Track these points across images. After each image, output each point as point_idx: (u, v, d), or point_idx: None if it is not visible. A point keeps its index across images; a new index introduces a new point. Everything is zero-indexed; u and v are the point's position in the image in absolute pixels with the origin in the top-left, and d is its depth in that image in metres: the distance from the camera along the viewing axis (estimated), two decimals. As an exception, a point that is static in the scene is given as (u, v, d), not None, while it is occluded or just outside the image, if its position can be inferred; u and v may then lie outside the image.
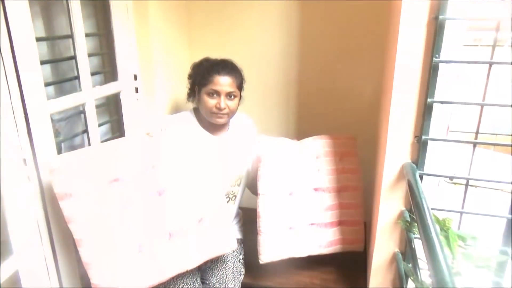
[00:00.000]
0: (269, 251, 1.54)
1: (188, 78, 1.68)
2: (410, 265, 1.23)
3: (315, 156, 1.60)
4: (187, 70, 1.70)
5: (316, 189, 1.61)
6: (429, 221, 0.90)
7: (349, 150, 1.65)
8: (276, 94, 2.09)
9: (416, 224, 1.06)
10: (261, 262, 1.54)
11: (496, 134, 4.37)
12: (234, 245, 1.47)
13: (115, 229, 1.20)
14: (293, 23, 1.95)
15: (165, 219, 1.30)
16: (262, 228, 1.51)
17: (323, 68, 1.98)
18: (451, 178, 4.32)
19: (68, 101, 1.36)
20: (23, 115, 1.16)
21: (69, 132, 1.52)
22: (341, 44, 1.92)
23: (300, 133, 2.11)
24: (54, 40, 1.41)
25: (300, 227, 1.58)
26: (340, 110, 2.02)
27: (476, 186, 4.16)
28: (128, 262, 1.21)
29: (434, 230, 0.86)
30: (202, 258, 1.37)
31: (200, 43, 2.07)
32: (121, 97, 1.67)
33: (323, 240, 1.63)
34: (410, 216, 1.26)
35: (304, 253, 1.61)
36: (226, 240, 1.44)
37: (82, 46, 1.39)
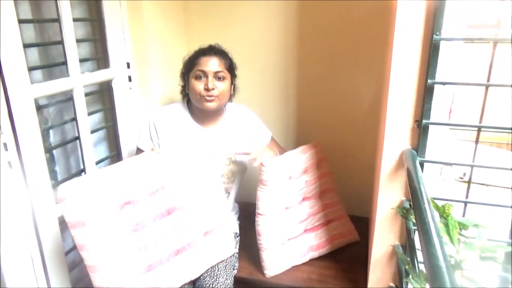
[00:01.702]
0: (273, 265, 1.57)
1: (180, 76, 1.63)
2: (409, 259, 1.15)
3: (304, 170, 1.64)
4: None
5: (304, 199, 1.67)
6: (426, 206, 0.83)
7: (321, 156, 1.72)
8: (275, 86, 2.02)
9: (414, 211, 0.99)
10: (267, 276, 1.57)
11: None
12: (233, 249, 1.49)
13: (126, 252, 1.19)
14: (291, 14, 1.88)
15: (173, 237, 1.29)
16: (264, 245, 1.54)
17: (323, 58, 1.91)
18: (461, 177, 4.22)
19: (54, 86, 1.32)
20: (4, 98, 1.12)
21: (58, 120, 1.48)
22: (342, 35, 1.84)
23: (300, 124, 2.05)
24: (41, 23, 1.37)
25: (297, 236, 1.63)
26: (340, 103, 1.95)
27: (487, 185, 4.03)
28: (138, 282, 1.20)
29: (430, 214, 0.79)
30: (205, 267, 1.40)
31: (197, 32, 2.01)
32: (113, 85, 1.62)
33: (319, 241, 1.67)
34: (409, 204, 1.18)
35: (305, 259, 1.65)
36: (227, 246, 1.47)
37: (70, 30, 1.36)
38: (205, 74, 1.48)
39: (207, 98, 1.48)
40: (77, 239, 1.11)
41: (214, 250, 1.41)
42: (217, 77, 1.49)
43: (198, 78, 1.48)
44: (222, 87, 1.50)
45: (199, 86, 1.48)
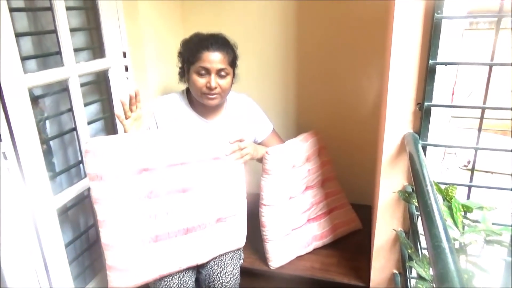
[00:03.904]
0: (278, 257, 1.55)
1: (178, 56, 1.56)
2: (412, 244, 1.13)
3: (306, 159, 1.62)
4: (180, 48, 1.61)
5: (307, 188, 1.65)
6: (429, 188, 0.80)
7: (322, 144, 1.70)
8: (274, 74, 1.99)
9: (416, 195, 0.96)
10: (272, 268, 1.55)
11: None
12: (244, 242, 1.48)
13: (136, 216, 1.25)
14: (290, 1, 1.84)
15: (184, 216, 1.32)
16: (268, 236, 1.52)
17: (323, 45, 1.87)
18: (465, 164, 4.18)
19: (48, 76, 1.30)
20: (-4, 88, 1.10)
21: (54, 111, 1.46)
22: (341, 22, 1.80)
23: (300, 112, 2.02)
24: (34, 12, 1.35)
25: (301, 226, 1.61)
26: (340, 90, 1.92)
27: (492, 173, 3.99)
28: (143, 249, 1.27)
29: (433, 196, 0.76)
30: (213, 254, 1.40)
31: (194, 20, 1.98)
32: (109, 75, 1.60)
33: (323, 231, 1.66)
34: (411, 189, 1.16)
35: (309, 249, 1.63)
36: (239, 237, 1.46)
37: (63, 19, 1.33)
38: (208, 71, 1.42)
39: (209, 96, 1.44)
40: (93, 191, 1.21)
41: (225, 238, 1.41)
42: (220, 74, 1.43)
43: (199, 73, 1.42)
44: (224, 84, 1.45)
45: (200, 82, 1.42)
